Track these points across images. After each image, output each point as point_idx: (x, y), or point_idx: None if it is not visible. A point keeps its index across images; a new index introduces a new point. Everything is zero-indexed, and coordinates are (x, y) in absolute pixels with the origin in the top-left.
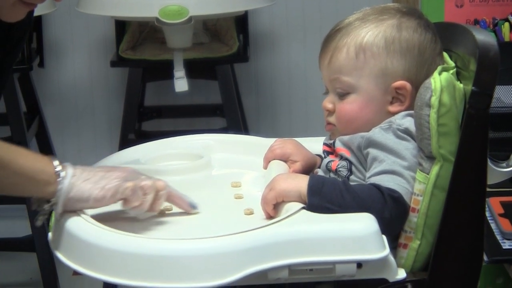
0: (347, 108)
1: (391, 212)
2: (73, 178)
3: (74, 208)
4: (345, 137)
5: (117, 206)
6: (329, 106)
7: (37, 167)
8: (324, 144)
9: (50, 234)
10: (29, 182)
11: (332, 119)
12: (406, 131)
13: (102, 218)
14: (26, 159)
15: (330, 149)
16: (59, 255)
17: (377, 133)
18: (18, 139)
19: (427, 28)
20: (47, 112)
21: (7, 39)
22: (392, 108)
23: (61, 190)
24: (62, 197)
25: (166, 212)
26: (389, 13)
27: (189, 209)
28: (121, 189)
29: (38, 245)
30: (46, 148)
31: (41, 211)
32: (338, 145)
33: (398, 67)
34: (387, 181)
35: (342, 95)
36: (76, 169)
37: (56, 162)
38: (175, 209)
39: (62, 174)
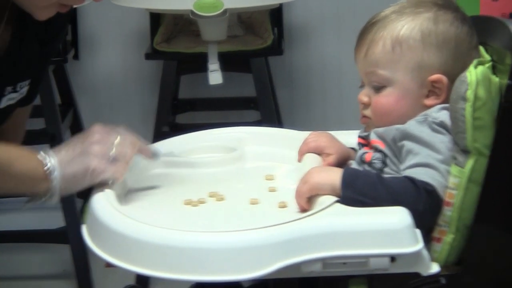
0: (383, 101)
1: (424, 206)
2: (60, 168)
3: (70, 192)
4: (380, 129)
5: (151, 198)
6: (365, 99)
7: (30, 167)
8: (359, 136)
9: (84, 226)
10: (24, 184)
11: (367, 112)
12: (442, 124)
13: (135, 209)
14: (20, 161)
15: (365, 141)
16: (93, 247)
17: (412, 125)
18: (52, 131)
19: (464, 21)
20: (81, 104)
21: (45, 32)
22: (428, 102)
23: (55, 184)
24: (57, 189)
25: (200, 204)
26: (425, 6)
27: (152, 157)
28: (108, 174)
29: (71, 237)
30: None
31: (35, 201)
32: (373, 137)
33: (435, 61)
34: (421, 174)
35: (378, 88)
36: (59, 153)
37: (44, 157)
38: (209, 202)
39: (51, 167)
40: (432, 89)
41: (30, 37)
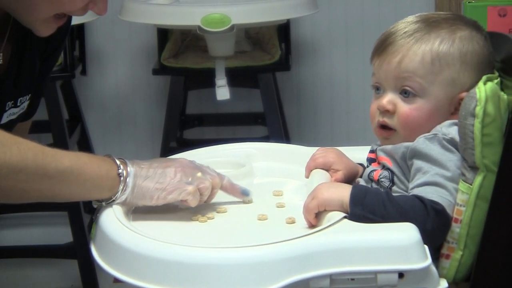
0: (415, 115)
1: (433, 224)
2: (135, 178)
3: (135, 205)
4: (388, 146)
5: (159, 212)
6: (389, 106)
7: (101, 173)
8: (371, 151)
9: (92, 242)
10: (95, 190)
11: (392, 122)
12: (452, 141)
13: (143, 225)
14: (91, 167)
15: (375, 156)
16: (101, 262)
17: (421, 143)
18: (60, 147)
19: (490, 42)
20: (89, 119)
21: (46, 47)
22: (453, 119)
23: (125, 191)
24: (124, 198)
25: (208, 220)
26: (459, 24)
27: (242, 197)
28: (182, 193)
29: (79, 252)
30: None
31: (100, 207)
32: (380, 154)
33: (467, 79)
34: (430, 193)
35: (409, 96)
36: (136, 166)
37: (118, 163)
38: (217, 217)
39: (125, 176)
40: (458, 107)
41: (31, 53)
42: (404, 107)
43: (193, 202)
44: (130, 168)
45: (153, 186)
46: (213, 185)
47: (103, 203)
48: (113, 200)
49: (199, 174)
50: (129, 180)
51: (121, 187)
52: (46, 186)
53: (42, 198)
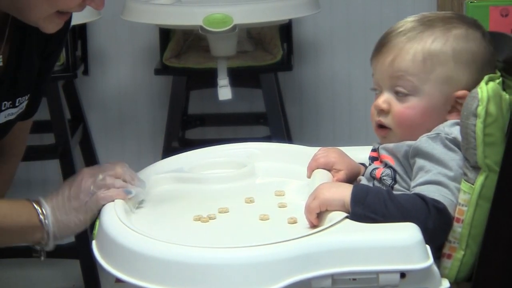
0: (409, 113)
1: (435, 223)
2: (53, 217)
3: (65, 237)
4: (390, 145)
5: (161, 213)
6: (384, 105)
7: (23, 220)
8: (372, 150)
9: (94, 242)
10: (18, 237)
11: (386, 120)
12: (454, 141)
13: (145, 225)
14: (11, 218)
15: (377, 155)
16: (103, 262)
17: (424, 142)
18: (62, 147)
19: (490, 41)
20: (91, 119)
21: (45, 46)
22: (450, 117)
23: (49, 233)
24: (52, 238)
25: (209, 220)
26: (454, 22)
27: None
28: (99, 201)
29: (81, 252)
30: (90, 156)
31: (38, 251)
32: (382, 153)
33: (462, 77)
34: (432, 192)
35: (402, 95)
36: (51, 201)
37: (37, 207)
38: (218, 217)
39: (45, 218)
40: (455, 105)
41: (29, 52)
42: (397, 106)
43: (119, 196)
44: (47, 208)
45: (71, 215)
46: (117, 176)
47: (38, 248)
48: (46, 243)
49: (99, 177)
50: (50, 221)
51: (45, 231)
52: None
53: None
